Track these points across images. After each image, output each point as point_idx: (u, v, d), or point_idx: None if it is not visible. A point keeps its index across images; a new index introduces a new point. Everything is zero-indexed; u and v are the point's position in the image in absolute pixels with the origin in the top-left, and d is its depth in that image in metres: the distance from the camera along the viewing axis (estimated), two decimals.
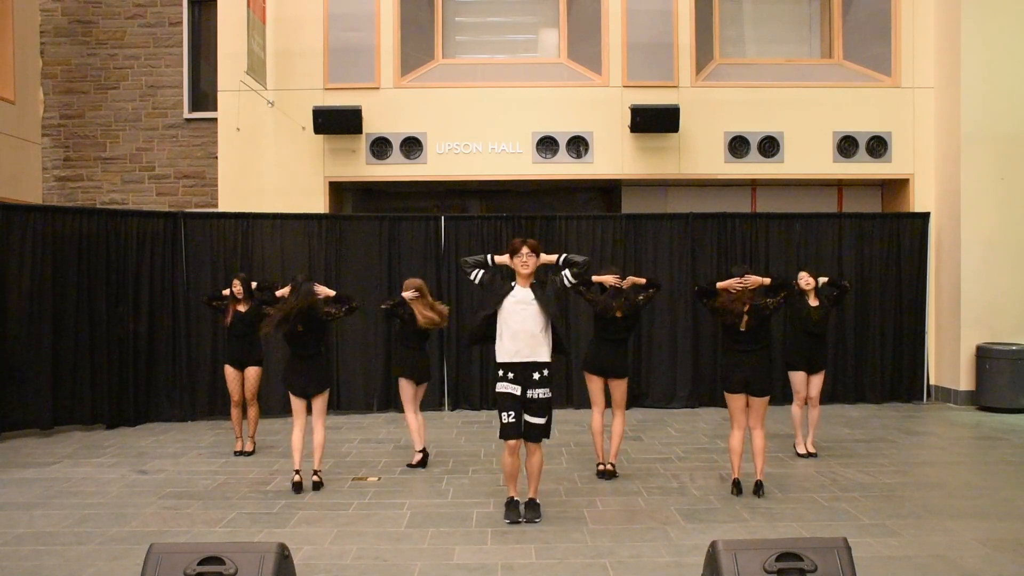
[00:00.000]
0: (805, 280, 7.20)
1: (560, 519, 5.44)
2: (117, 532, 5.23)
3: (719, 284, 5.96)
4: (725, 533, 5.11)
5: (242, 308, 7.45)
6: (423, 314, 6.92)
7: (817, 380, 7.22)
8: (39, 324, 8.51)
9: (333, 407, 9.49)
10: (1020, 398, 9.51)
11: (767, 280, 5.96)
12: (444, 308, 7.12)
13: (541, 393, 5.24)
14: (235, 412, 7.51)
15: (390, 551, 4.85)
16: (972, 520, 5.40)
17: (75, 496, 6.11)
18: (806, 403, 7.26)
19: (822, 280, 7.32)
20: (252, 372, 7.48)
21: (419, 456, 6.99)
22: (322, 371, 6.35)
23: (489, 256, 5.49)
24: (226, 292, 7.58)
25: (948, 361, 10.24)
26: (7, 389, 8.32)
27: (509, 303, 5.27)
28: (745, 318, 5.84)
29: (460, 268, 5.58)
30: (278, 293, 6.56)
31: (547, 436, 5.36)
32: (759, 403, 5.92)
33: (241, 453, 7.49)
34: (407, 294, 6.97)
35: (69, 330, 8.70)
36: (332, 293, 6.46)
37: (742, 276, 5.88)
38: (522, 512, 5.40)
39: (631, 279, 6.55)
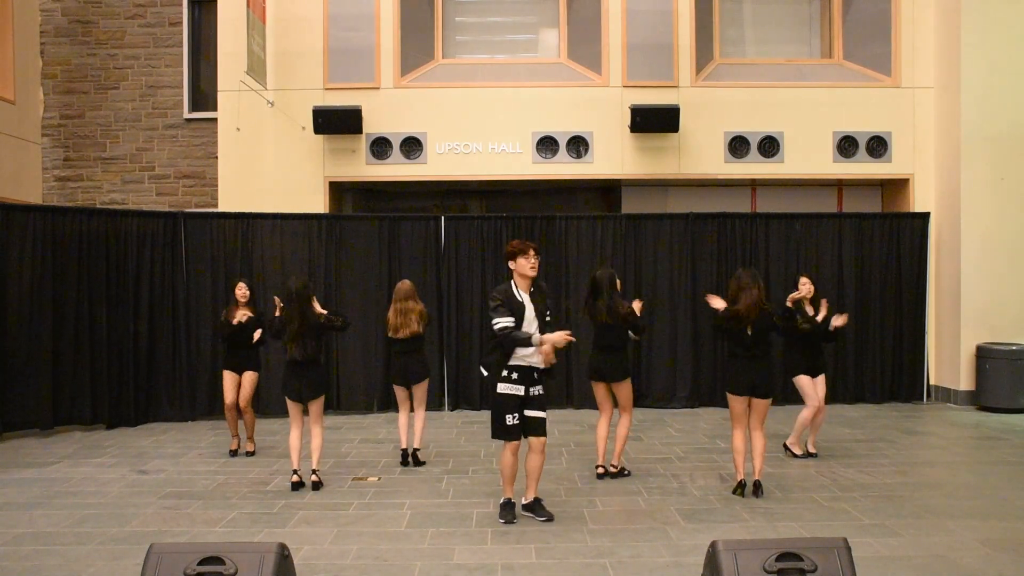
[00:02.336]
0: (808, 288, 7.09)
1: (560, 519, 5.43)
2: (117, 532, 5.23)
3: (723, 309, 5.99)
4: (725, 533, 5.11)
5: (235, 319, 7.42)
6: (389, 318, 7.05)
7: (820, 383, 7.14)
8: (39, 324, 8.50)
9: (333, 407, 9.50)
10: (1020, 398, 9.51)
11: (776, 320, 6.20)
12: (413, 322, 6.92)
13: (540, 389, 5.42)
14: (229, 415, 7.51)
15: (390, 551, 4.85)
16: (972, 520, 5.40)
17: (75, 496, 6.11)
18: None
19: (821, 315, 7.05)
20: (248, 377, 7.47)
21: (401, 452, 7.09)
22: (319, 377, 6.33)
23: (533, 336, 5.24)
24: (231, 319, 7.45)
25: (948, 361, 10.24)
26: (7, 389, 8.32)
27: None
28: (751, 322, 5.84)
29: (505, 338, 5.21)
30: (278, 312, 6.44)
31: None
32: (762, 405, 5.95)
33: (237, 453, 7.49)
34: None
35: (69, 330, 8.70)
36: (324, 312, 6.34)
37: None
38: (518, 513, 5.42)
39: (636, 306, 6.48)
